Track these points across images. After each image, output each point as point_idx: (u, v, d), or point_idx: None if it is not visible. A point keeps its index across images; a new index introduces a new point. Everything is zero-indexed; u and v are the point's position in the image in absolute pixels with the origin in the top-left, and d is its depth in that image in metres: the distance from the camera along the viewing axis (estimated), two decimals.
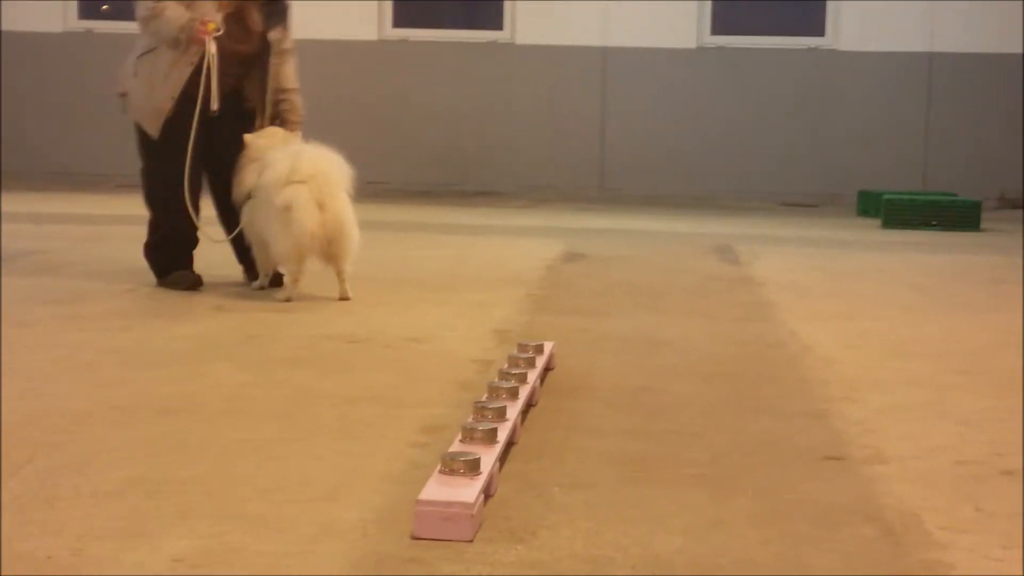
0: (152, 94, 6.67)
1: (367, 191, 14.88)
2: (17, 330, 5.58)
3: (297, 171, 6.45)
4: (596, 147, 15.61)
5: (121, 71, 6.85)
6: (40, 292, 6.64)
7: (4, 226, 9.72)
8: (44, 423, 4.00)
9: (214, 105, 6.65)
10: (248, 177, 6.70)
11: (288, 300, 6.51)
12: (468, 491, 3.08)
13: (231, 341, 5.49)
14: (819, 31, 15.20)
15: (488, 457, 3.33)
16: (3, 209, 10.85)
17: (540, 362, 4.62)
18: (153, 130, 6.70)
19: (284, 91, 7.14)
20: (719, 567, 2.87)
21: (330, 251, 6.56)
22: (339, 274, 6.64)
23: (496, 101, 15.60)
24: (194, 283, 6.79)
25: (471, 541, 2.98)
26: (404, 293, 7.01)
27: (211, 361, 5.07)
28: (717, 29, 15.24)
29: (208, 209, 7.05)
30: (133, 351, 5.24)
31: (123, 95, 6.78)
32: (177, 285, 6.74)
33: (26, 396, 4.38)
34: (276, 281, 6.80)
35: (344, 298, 6.61)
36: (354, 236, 6.63)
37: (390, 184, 15.36)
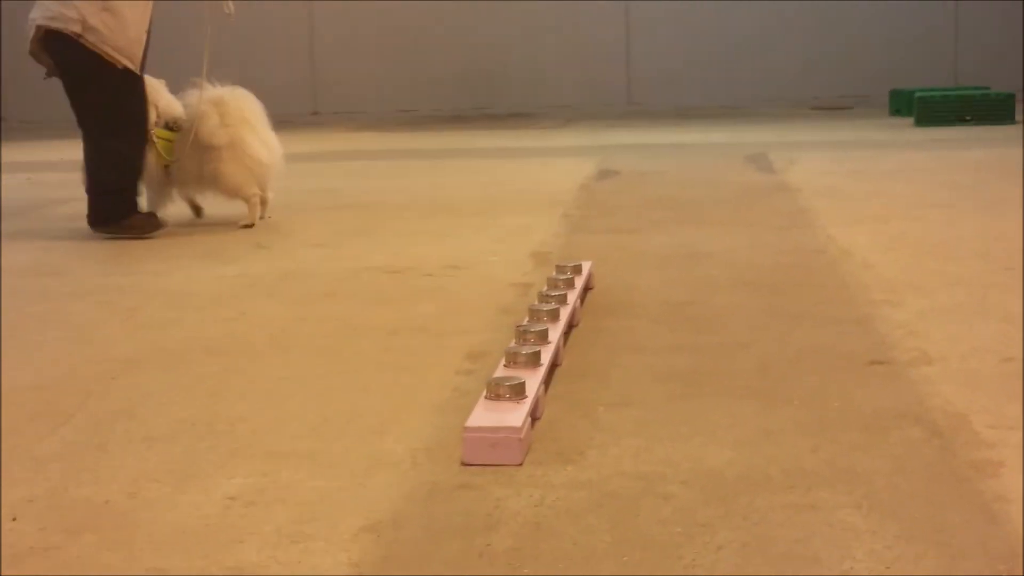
0: (127, 26, 6.47)
1: (397, 119, 14.96)
2: (58, 278, 5.62)
3: (228, 115, 6.94)
4: (622, 63, 15.52)
5: (65, 8, 6.42)
6: (77, 239, 6.68)
7: (36, 175, 9.77)
8: (92, 370, 4.03)
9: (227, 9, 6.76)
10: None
11: (252, 225, 6.98)
12: (515, 415, 3.10)
13: (272, 278, 5.51)
14: None
15: (533, 380, 3.34)
16: (33, 158, 10.90)
17: (579, 282, 4.63)
18: (134, 63, 6.54)
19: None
20: (770, 477, 2.88)
21: (266, 181, 7.11)
22: (265, 199, 7.15)
23: (521, 22, 15.51)
24: (158, 225, 6.69)
25: (520, 464, 3.00)
26: (440, 220, 7.01)
27: (254, 299, 5.10)
28: None
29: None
30: (176, 293, 5.27)
31: (78, 34, 6.41)
32: (142, 230, 6.60)
33: (72, 343, 4.42)
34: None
35: (267, 217, 7.15)
36: (280, 166, 7.19)
37: (419, 111, 15.34)
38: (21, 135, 14.31)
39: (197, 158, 6.90)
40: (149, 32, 6.66)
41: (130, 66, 6.52)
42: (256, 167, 6.97)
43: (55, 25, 6.40)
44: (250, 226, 6.94)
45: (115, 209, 6.60)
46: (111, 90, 6.56)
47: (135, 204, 6.68)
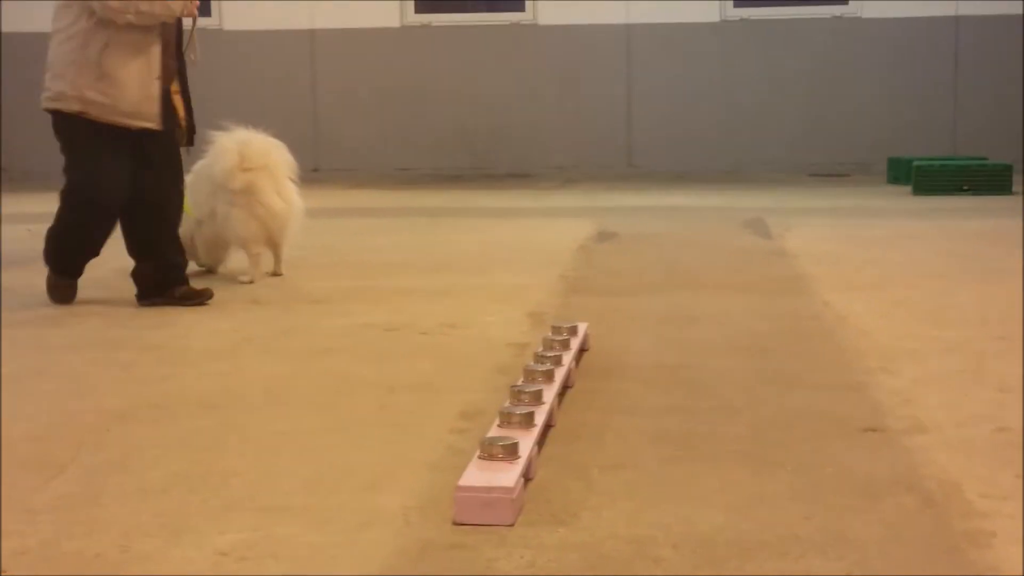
0: (129, 88, 6.03)
1: (396, 177, 14.99)
2: (52, 330, 5.63)
3: (249, 158, 6.84)
4: (623, 125, 15.59)
5: (63, 85, 6.07)
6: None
7: (37, 226, 9.79)
8: (85, 422, 4.03)
9: (192, 57, 6.37)
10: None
11: (252, 281, 6.92)
12: (507, 475, 3.10)
13: (268, 334, 5.52)
14: None
15: (526, 441, 3.35)
16: (33, 209, 10.91)
17: (575, 343, 4.64)
18: (153, 121, 6.10)
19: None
20: (762, 543, 2.88)
21: (281, 235, 7.06)
22: (278, 253, 7.16)
23: (521, 83, 15.59)
24: (70, 297, 6.32)
25: (512, 525, 3.00)
26: (438, 278, 7.02)
27: (249, 355, 5.10)
28: (740, 1, 15.18)
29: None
30: (171, 347, 5.28)
31: (80, 112, 6.05)
32: (54, 294, 6.29)
33: (66, 396, 4.42)
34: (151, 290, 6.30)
35: (277, 274, 7.15)
36: (299, 221, 7.14)
37: (418, 169, 15.39)
38: (22, 186, 14.33)
39: (213, 200, 6.89)
40: (183, 79, 6.35)
41: (149, 126, 6.10)
42: (267, 218, 6.91)
43: (55, 106, 6.12)
44: (250, 282, 6.91)
45: (60, 256, 6.33)
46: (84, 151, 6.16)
47: (76, 265, 6.36)
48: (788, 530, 2.96)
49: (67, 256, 6.33)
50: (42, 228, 6.54)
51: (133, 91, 6.04)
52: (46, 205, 11.76)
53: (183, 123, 6.31)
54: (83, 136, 6.05)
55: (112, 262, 6.69)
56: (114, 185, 6.11)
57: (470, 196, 12.73)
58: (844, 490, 3.25)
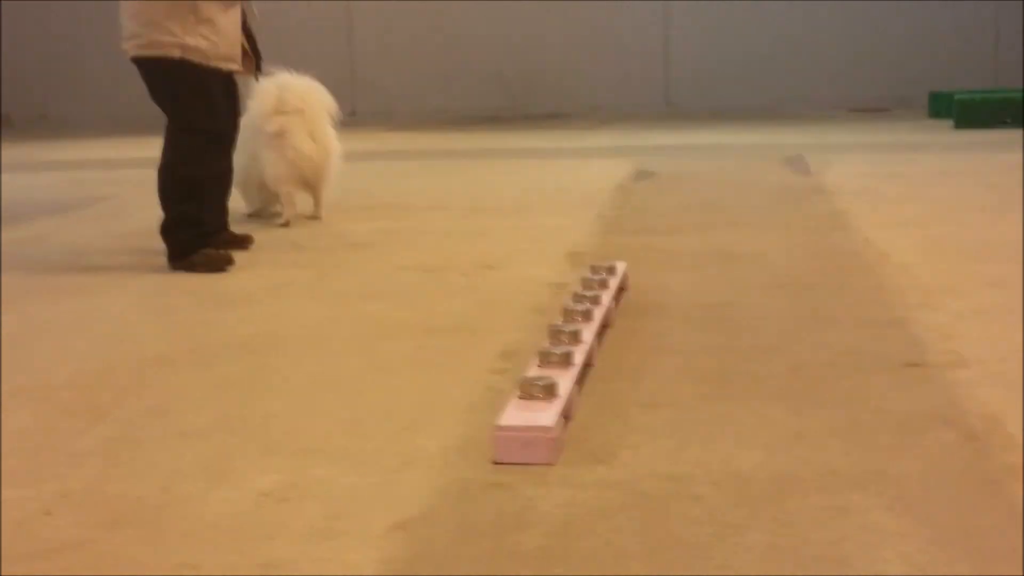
0: (226, 32, 5.99)
1: (433, 119, 14.98)
2: (92, 276, 5.66)
3: (286, 102, 6.88)
4: (660, 63, 15.49)
5: (157, 32, 5.84)
6: (112, 238, 6.72)
7: (72, 173, 9.83)
8: (126, 368, 4.06)
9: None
10: None
11: (287, 224, 6.99)
12: (546, 415, 3.10)
13: (306, 278, 5.53)
14: None
15: (565, 380, 3.35)
16: (68, 156, 10.97)
17: (613, 283, 4.62)
18: (238, 63, 6.10)
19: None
20: (801, 479, 2.87)
21: (316, 177, 7.09)
22: (318, 198, 7.21)
23: (557, 24, 15.51)
24: (227, 262, 5.86)
25: (552, 464, 3.00)
26: (476, 220, 7.02)
27: (289, 298, 5.12)
28: None
29: None
30: (210, 292, 5.30)
31: (180, 58, 5.85)
32: (209, 266, 5.79)
33: (107, 342, 4.45)
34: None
35: (317, 217, 7.21)
36: (336, 163, 7.16)
37: (455, 111, 15.36)
38: (61, 133, 14.40)
39: (254, 143, 6.95)
40: (248, 26, 6.30)
41: (236, 68, 6.13)
42: (298, 161, 6.95)
43: (149, 53, 5.88)
44: (285, 224, 6.98)
45: (183, 244, 5.89)
46: (210, 101, 6.01)
47: (201, 239, 5.92)
48: (827, 467, 2.95)
49: (204, 202, 5.95)
50: (85, 175, 6.53)
51: (229, 35, 6.02)
52: (89, 152, 11.82)
53: (252, 57, 6.34)
54: (190, 79, 5.91)
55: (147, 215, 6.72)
56: (228, 119, 6.12)
57: (507, 137, 12.69)
58: (884, 426, 3.24)
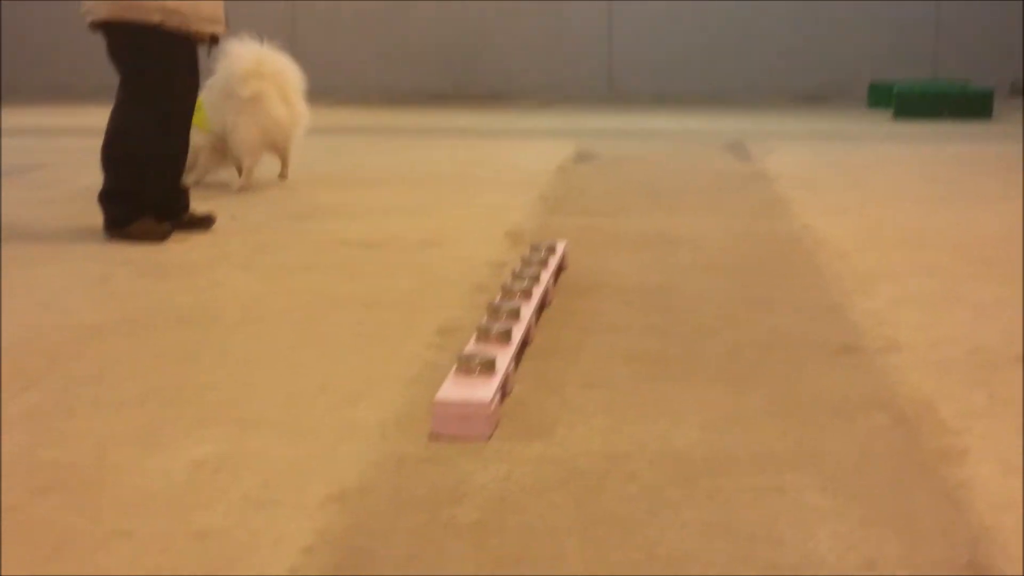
0: (200, 2, 5.76)
1: (377, 97, 14.91)
2: (26, 244, 5.59)
3: (264, 64, 6.98)
4: (604, 47, 15.50)
5: None
6: (48, 206, 6.65)
7: (8, 140, 9.71)
8: (60, 336, 4.02)
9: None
10: None
11: (244, 189, 7.14)
12: (484, 390, 3.10)
13: (246, 250, 5.50)
14: None
15: (503, 357, 3.35)
16: (5, 123, 10.84)
17: (553, 262, 4.63)
18: (222, 24, 5.89)
19: None
20: (736, 459, 2.89)
21: (285, 142, 7.33)
22: (285, 158, 7.48)
23: (502, 3, 15.48)
24: (164, 234, 5.74)
25: (488, 439, 3.00)
26: (417, 197, 7.00)
27: (227, 270, 5.08)
28: None
29: None
30: (146, 262, 5.25)
31: (158, 23, 5.64)
32: (146, 236, 5.66)
33: (41, 310, 4.40)
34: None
35: (284, 177, 7.49)
36: (304, 126, 7.43)
37: (398, 89, 15.30)
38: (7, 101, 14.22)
39: (223, 110, 7.00)
40: None
41: (219, 31, 5.89)
42: (271, 126, 7.12)
43: (125, 16, 5.62)
44: (240, 189, 7.14)
45: (117, 212, 5.75)
46: (178, 68, 5.80)
47: (139, 208, 5.75)
48: (763, 447, 2.97)
49: (145, 179, 5.76)
50: (21, 142, 6.43)
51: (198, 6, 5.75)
52: (29, 119, 11.68)
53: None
54: (158, 50, 5.69)
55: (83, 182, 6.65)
56: (187, 97, 5.88)
57: (450, 116, 12.67)
58: (819, 409, 3.27)
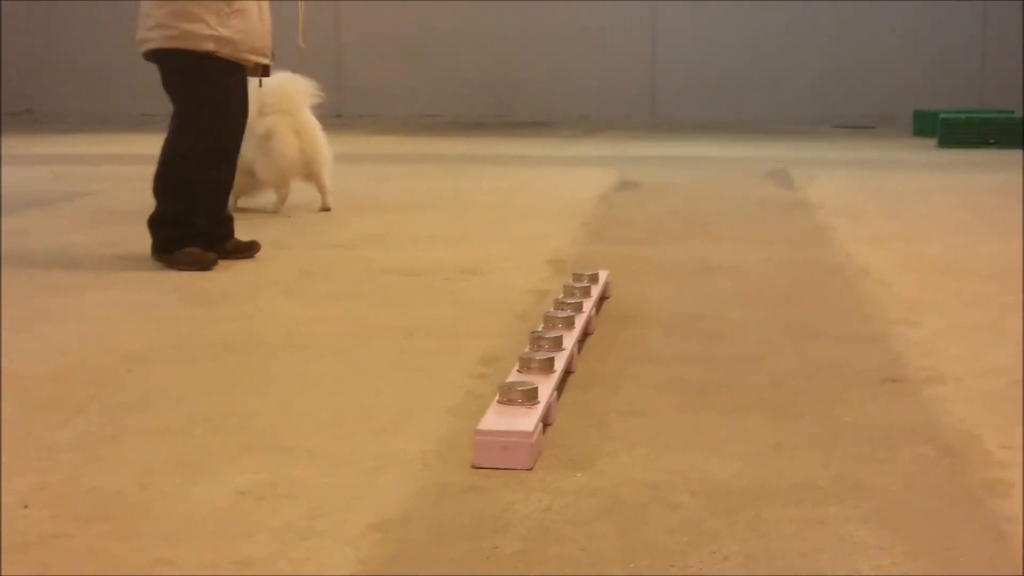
0: (257, 22, 5.82)
1: (419, 124, 14.98)
2: (73, 272, 5.65)
3: (267, 104, 7.00)
4: (646, 74, 15.52)
5: (188, 24, 5.63)
6: (93, 233, 6.71)
7: (60, 167, 9.81)
8: (105, 363, 4.05)
9: (301, 43, 6.39)
10: None
11: (278, 212, 7.36)
12: (526, 420, 3.10)
13: (289, 277, 5.53)
14: None
15: (546, 386, 3.35)
16: (49, 151, 10.94)
17: (595, 291, 4.63)
18: (268, 55, 5.92)
19: None
20: (778, 490, 2.88)
21: (310, 170, 7.39)
22: (321, 188, 7.50)
23: (546, 31, 15.53)
24: (210, 262, 5.74)
25: (531, 469, 3.00)
26: (459, 225, 7.02)
27: (270, 297, 5.11)
28: None
29: None
30: (191, 289, 5.29)
31: (211, 52, 5.68)
32: (192, 265, 5.67)
33: (86, 337, 4.43)
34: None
35: (326, 209, 7.49)
36: (327, 152, 7.46)
37: (442, 116, 15.37)
38: (46, 127, 14.36)
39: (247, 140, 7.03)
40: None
41: (266, 62, 5.95)
42: (285, 162, 7.24)
43: (179, 45, 5.67)
44: (279, 211, 7.34)
45: (167, 240, 5.77)
46: (231, 96, 5.86)
47: (191, 237, 5.76)
48: (805, 478, 2.96)
49: (196, 206, 5.79)
50: (66, 169, 6.49)
51: (260, 27, 5.85)
52: (69, 147, 11.80)
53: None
54: (213, 78, 5.74)
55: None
56: (239, 125, 5.91)
57: (492, 144, 12.70)
58: (862, 440, 3.25)
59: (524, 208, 7.76)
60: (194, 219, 5.80)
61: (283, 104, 7.14)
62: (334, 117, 15.34)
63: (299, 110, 7.26)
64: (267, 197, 7.52)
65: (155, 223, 5.83)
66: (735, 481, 2.95)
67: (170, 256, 5.74)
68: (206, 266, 5.70)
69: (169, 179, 5.80)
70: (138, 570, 2.46)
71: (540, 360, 3.52)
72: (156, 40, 5.73)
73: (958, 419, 3.41)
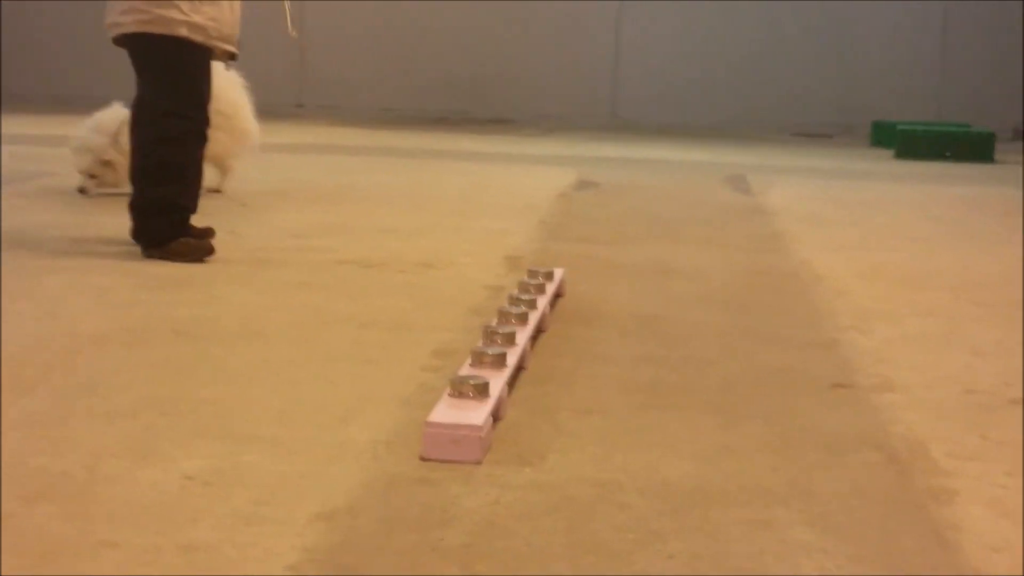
0: (229, 10, 5.78)
1: (381, 117, 14.94)
2: (28, 253, 5.60)
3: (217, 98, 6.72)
4: (609, 76, 15.54)
5: (161, 8, 5.56)
6: (50, 215, 6.66)
7: (18, 148, 9.73)
8: (57, 344, 4.02)
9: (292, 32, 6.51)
10: None
11: (219, 191, 7.51)
12: (477, 414, 3.10)
13: (245, 265, 5.50)
14: None
15: (497, 381, 3.35)
16: (7, 131, 10.85)
17: (550, 288, 4.64)
18: (235, 45, 5.88)
19: None
20: (726, 492, 2.89)
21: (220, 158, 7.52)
22: (229, 172, 7.73)
23: (510, 30, 15.53)
24: (209, 250, 5.66)
25: (480, 463, 3.00)
26: (418, 219, 7.01)
27: (225, 284, 5.09)
28: None
29: None
30: (147, 274, 5.25)
31: (184, 36, 5.61)
32: (190, 255, 5.55)
33: (39, 318, 4.40)
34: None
35: (220, 190, 7.64)
36: (252, 141, 7.77)
37: (403, 111, 15.33)
38: (7, 108, 14.24)
39: None
40: None
41: (232, 49, 5.89)
42: (243, 139, 7.51)
43: (152, 30, 5.60)
44: (217, 191, 7.45)
45: (157, 231, 5.62)
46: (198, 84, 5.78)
47: (181, 227, 5.67)
48: (754, 481, 2.98)
49: (186, 187, 5.70)
50: (24, 150, 6.43)
51: (230, 15, 5.80)
52: (32, 127, 11.69)
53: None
54: (188, 62, 5.68)
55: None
56: (207, 111, 5.81)
57: (453, 140, 12.69)
58: (811, 444, 3.27)
59: (483, 204, 7.76)
60: (182, 202, 5.67)
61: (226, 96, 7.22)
62: (295, 107, 15.31)
63: (242, 97, 7.57)
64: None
65: (139, 210, 5.65)
66: (684, 481, 2.96)
67: (163, 249, 5.56)
68: (202, 256, 5.57)
69: (152, 165, 5.64)
70: (82, 551, 2.44)
71: (493, 355, 3.52)
72: (129, 24, 5.66)
73: (906, 427, 3.44)
